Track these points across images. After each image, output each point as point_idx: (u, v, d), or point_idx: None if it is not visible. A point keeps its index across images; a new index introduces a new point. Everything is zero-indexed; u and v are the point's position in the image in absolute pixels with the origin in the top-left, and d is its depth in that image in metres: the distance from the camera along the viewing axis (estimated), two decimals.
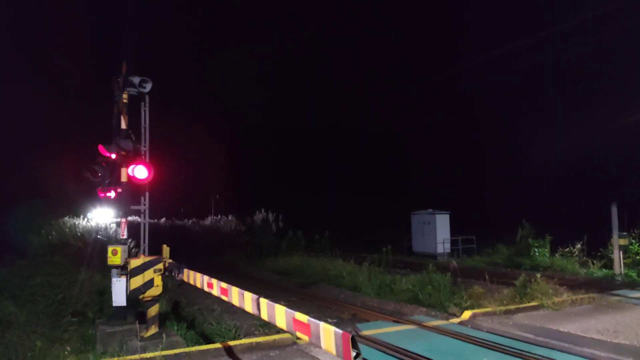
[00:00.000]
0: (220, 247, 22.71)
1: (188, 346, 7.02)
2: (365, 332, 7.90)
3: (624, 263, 13.88)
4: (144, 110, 8.41)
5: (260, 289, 13.30)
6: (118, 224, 7.94)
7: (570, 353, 6.64)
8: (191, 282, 6.53)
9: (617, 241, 13.71)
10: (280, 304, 4.40)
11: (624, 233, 14.02)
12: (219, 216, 26.77)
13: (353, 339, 3.35)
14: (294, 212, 27.15)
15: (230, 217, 25.86)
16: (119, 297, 7.44)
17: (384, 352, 6.83)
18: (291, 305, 11.06)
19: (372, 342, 7.31)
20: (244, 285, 13.46)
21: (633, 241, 14.79)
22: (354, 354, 3.34)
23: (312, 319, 3.80)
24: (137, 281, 7.10)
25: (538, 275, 10.42)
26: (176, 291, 11.49)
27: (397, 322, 8.79)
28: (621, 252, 13.81)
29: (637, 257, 14.62)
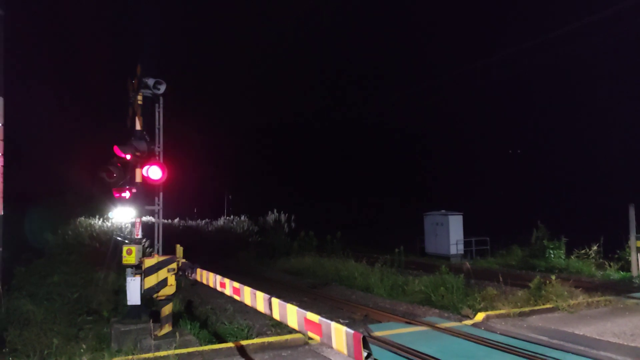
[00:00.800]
0: (232, 247, 22.83)
1: (201, 345, 7.08)
2: (377, 333, 7.89)
3: None
4: (158, 112, 8.50)
5: (273, 289, 13.35)
6: (133, 224, 8.04)
7: (585, 356, 6.54)
8: (204, 281, 6.58)
9: (635, 243, 13.45)
10: (292, 304, 4.42)
11: None
12: (232, 216, 26.93)
13: (364, 339, 3.34)
14: (307, 213, 27.22)
15: (242, 218, 26.00)
16: (133, 296, 7.55)
17: (396, 353, 6.81)
18: (303, 305, 11.08)
19: (384, 343, 7.29)
20: (256, 285, 13.53)
21: None
22: (365, 354, 3.33)
23: (324, 319, 3.81)
24: (151, 280, 7.19)
25: (553, 277, 10.28)
26: (189, 290, 11.59)
27: (410, 323, 8.76)
28: (639, 254, 13.55)
29: None
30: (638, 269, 13.49)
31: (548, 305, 9.40)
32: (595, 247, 15.87)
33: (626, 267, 14.23)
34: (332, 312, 10.52)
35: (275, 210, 23.81)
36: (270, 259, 19.77)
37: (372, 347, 7.02)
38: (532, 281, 10.21)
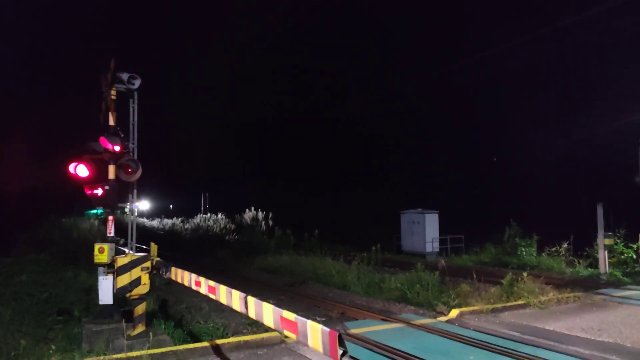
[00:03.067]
0: (209, 246, 22.60)
1: (175, 345, 6.98)
2: (354, 331, 7.93)
3: (609, 262, 14.07)
4: (133, 107, 8.32)
5: (250, 287, 13.28)
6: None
7: (555, 351, 6.72)
8: (179, 280, 6.49)
9: (603, 241, 13.89)
10: (269, 302, 4.40)
11: (610, 233, 14.21)
12: (209, 214, 26.64)
13: (340, 337, 3.35)
14: (284, 211, 27.11)
15: (219, 216, 25.74)
16: (105, 295, 7.39)
17: (372, 350, 6.85)
18: (280, 303, 11.05)
19: (361, 340, 7.33)
20: (233, 283, 13.41)
21: (618, 241, 15.02)
22: (340, 352, 3.34)
23: (300, 317, 3.80)
24: (124, 279, 7.05)
25: (525, 274, 10.53)
26: (164, 289, 11.41)
27: (386, 320, 8.83)
28: (606, 252, 14.00)
29: (622, 257, 14.85)
30: (605, 266, 13.93)
31: (520, 302, 9.62)
32: (565, 245, 16.34)
33: (594, 264, 14.69)
34: (309, 310, 10.53)
35: (252, 208, 23.70)
36: (247, 257, 19.64)
37: (349, 344, 7.05)
38: (504, 278, 10.43)
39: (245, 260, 19.41)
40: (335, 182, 41.54)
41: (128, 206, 8.38)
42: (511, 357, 6.41)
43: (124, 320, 7.08)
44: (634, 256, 14.47)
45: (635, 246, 14.46)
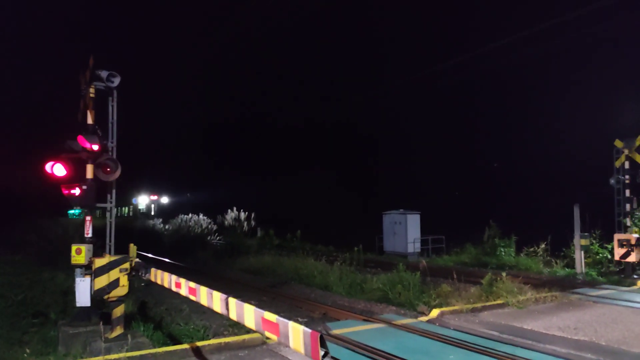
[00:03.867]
0: (191, 247, 22.36)
1: (154, 347, 6.87)
2: (336, 331, 7.93)
3: (585, 262, 14.39)
4: (112, 106, 8.19)
5: (231, 288, 13.18)
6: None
7: (532, 349, 6.84)
8: (158, 281, 6.40)
9: (579, 241, 14.20)
10: (250, 303, 4.37)
11: (586, 234, 14.54)
12: (190, 215, 26.37)
13: (321, 338, 3.35)
14: (267, 212, 27.02)
15: (201, 216, 25.49)
16: (82, 297, 7.25)
17: (353, 350, 6.87)
18: (262, 304, 10.99)
19: (342, 340, 7.34)
20: (215, 284, 13.29)
21: (594, 241, 15.39)
22: (322, 352, 3.34)
23: (281, 318, 3.79)
24: (101, 281, 6.93)
25: (504, 274, 10.69)
26: (143, 291, 11.23)
27: (367, 320, 8.86)
28: (582, 252, 14.32)
29: (597, 257, 15.22)
30: (582, 265, 14.25)
31: (499, 301, 9.77)
32: (543, 245, 16.66)
33: (571, 264, 15.00)
34: (291, 310, 10.50)
35: (235, 209, 23.52)
36: (229, 258, 19.48)
37: (330, 345, 7.06)
38: (484, 278, 10.59)
39: (227, 261, 19.25)
40: (318, 183, 41.57)
41: (109, 206, 8.22)
42: (490, 356, 6.49)
43: (101, 323, 6.94)
44: (609, 256, 14.83)
45: (609, 247, 14.82)
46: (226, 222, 21.16)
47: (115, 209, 8.39)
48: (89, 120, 7.78)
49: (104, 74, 7.83)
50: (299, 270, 14.82)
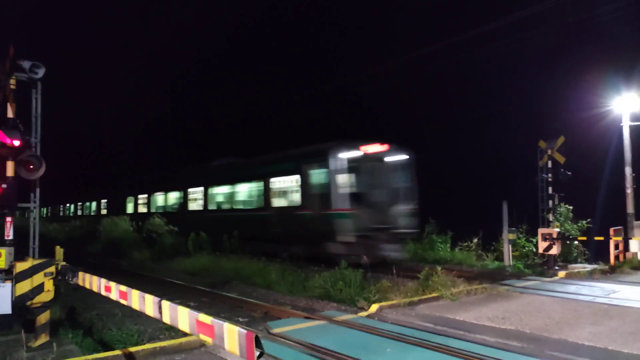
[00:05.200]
0: (126, 248, 21.38)
1: (83, 355, 6.50)
2: (277, 330, 7.90)
3: (512, 255, 15.35)
4: (35, 98, 7.65)
5: (170, 290, 12.76)
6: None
7: (464, 340, 7.19)
8: (87, 286, 6.06)
9: (507, 236, 15.13)
10: (189, 305, 4.26)
11: (513, 228, 15.51)
12: (123, 214, 25.21)
13: (256, 338, 3.32)
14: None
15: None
16: (2, 304, 6.71)
17: (293, 348, 6.87)
18: (202, 305, 10.73)
19: (283, 338, 7.33)
20: (153, 287, 12.80)
21: (521, 236, 16.46)
22: (257, 353, 3.31)
23: (216, 320, 3.71)
24: (24, 286, 6.49)
25: (439, 268, 11.15)
26: (72, 296, 10.58)
27: (308, 318, 8.90)
28: (510, 246, 15.27)
29: (524, 250, 16.30)
30: (509, 258, 15.19)
31: (434, 294, 10.17)
32: (476, 240, 17.58)
33: (501, 257, 15.94)
34: (232, 311, 10.32)
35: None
36: (167, 259, 18.83)
37: (271, 344, 7.02)
38: (421, 272, 10.98)
39: (165, 263, 18.61)
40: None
41: (32, 206, 7.66)
42: (424, 347, 6.75)
43: (23, 331, 6.49)
44: (534, 249, 15.92)
45: (534, 240, 15.91)
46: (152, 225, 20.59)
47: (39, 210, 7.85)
48: (10, 114, 7.24)
49: (26, 64, 7.30)
50: (240, 270, 14.60)
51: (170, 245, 19.64)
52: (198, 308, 9.97)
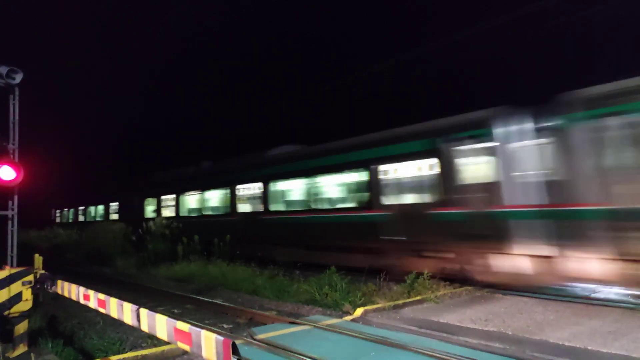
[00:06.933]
0: (110, 255, 21.11)
1: None
2: (261, 336, 7.85)
3: None
4: (13, 104, 7.54)
5: (154, 297, 12.62)
6: None
7: (447, 342, 7.23)
8: (66, 294, 5.97)
9: None
10: (173, 312, 4.24)
11: None
12: (107, 221, 24.89)
13: (234, 345, 3.30)
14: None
15: (122, 224, 24.18)
16: None
17: (277, 353, 6.84)
18: (186, 312, 10.63)
19: (267, 344, 7.29)
20: (137, 295, 12.65)
21: None
22: None
23: (194, 327, 3.68)
24: (1, 295, 6.35)
25: (425, 271, 11.18)
26: (53, 305, 10.41)
27: (293, 323, 8.88)
28: None
29: None
30: None
31: (419, 297, 10.21)
32: None
33: None
34: (217, 317, 10.25)
35: (159, 215, 22.54)
36: (153, 266, 18.62)
37: (254, 349, 6.99)
38: (408, 275, 11.01)
39: (150, 270, 18.41)
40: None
41: (10, 214, 7.52)
42: (408, 350, 6.77)
43: (1, 341, 6.36)
44: None
45: None
46: (149, 229, 20.19)
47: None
48: None
49: (3, 69, 7.20)
50: (226, 276, 14.51)
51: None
52: (182, 316, 9.86)
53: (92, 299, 5.21)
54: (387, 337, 7.44)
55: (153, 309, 4.66)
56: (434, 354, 6.52)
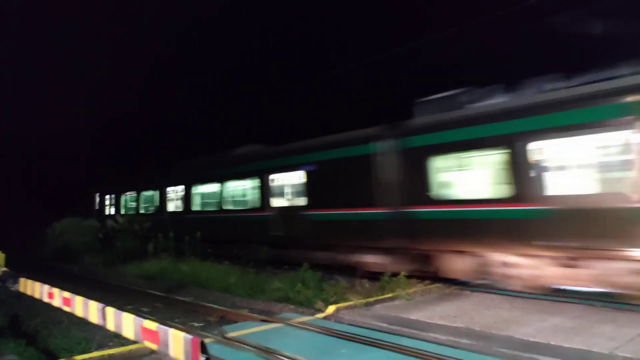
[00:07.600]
0: (77, 252, 20.53)
1: None
2: (232, 334, 7.80)
3: None
4: None
5: (123, 295, 12.34)
6: None
7: (417, 338, 7.35)
8: (29, 292, 5.78)
9: None
10: (142, 311, 4.15)
11: None
12: (75, 217, 24.16)
13: (202, 344, 3.27)
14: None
15: (88, 219, 23.58)
16: None
17: (248, 351, 6.80)
18: (155, 311, 10.43)
19: (238, 342, 7.23)
20: (104, 293, 12.37)
21: None
22: (203, 358, 3.26)
23: (162, 326, 3.63)
24: None
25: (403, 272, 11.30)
26: (15, 304, 10.03)
27: (265, 321, 8.85)
28: None
29: None
30: None
31: (390, 295, 10.33)
32: None
33: None
34: (187, 315, 10.10)
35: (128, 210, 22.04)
36: (122, 264, 18.20)
37: (225, 348, 6.92)
38: (384, 274, 11.12)
39: (119, 267, 17.99)
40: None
41: None
42: (378, 347, 6.86)
43: None
44: None
45: None
46: (118, 225, 19.73)
47: None
48: None
49: None
50: (197, 273, 14.32)
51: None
52: (151, 314, 9.68)
53: (57, 297, 5.06)
54: (358, 334, 7.51)
55: (121, 307, 4.56)
56: (403, 350, 6.62)
